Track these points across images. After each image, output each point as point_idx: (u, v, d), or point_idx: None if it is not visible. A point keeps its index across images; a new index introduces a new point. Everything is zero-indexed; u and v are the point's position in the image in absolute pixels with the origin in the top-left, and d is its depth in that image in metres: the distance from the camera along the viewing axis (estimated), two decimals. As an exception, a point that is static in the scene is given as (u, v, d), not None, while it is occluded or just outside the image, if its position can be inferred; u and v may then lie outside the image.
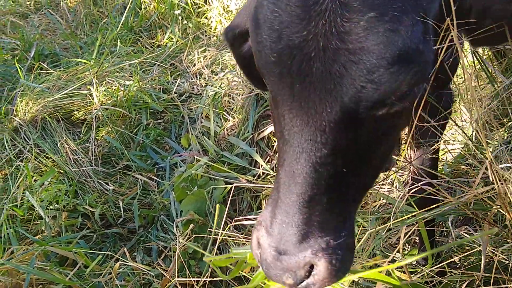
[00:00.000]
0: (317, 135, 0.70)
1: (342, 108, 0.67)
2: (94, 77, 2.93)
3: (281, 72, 0.70)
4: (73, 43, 4.20)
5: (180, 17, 3.55)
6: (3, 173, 2.72)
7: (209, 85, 2.93)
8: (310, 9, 0.68)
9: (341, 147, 0.71)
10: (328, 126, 0.69)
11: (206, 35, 3.52)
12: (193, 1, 3.68)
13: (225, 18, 3.58)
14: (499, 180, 1.00)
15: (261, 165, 2.16)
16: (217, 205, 1.99)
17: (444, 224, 1.62)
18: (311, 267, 0.75)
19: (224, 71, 3.02)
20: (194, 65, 3.18)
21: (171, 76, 3.17)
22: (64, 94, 2.96)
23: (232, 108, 2.51)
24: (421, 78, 0.70)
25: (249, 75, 1.12)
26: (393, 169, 1.60)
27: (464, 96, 1.62)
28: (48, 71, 3.36)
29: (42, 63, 3.55)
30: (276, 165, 0.91)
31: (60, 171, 2.53)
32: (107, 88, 2.99)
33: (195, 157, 2.38)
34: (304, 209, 0.74)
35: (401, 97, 0.71)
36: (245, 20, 0.95)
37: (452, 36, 0.76)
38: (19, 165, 2.65)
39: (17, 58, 3.96)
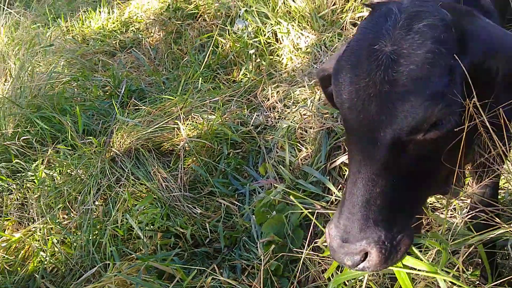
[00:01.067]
0: (374, 152, 0.97)
1: (392, 132, 0.94)
2: (181, 113, 3.31)
3: (350, 106, 0.99)
4: (156, 79, 4.66)
5: (253, 56, 3.89)
6: (103, 198, 3.13)
7: (282, 118, 3.23)
8: (371, 63, 0.97)
9: (391, 163, 0.97)
10: (382, 145, 0.95)
11: (278, 72, 3.84)
12: (266, 40, 4.02)
13: (295, 55, 3.89)
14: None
15: (334, 192, 2.41)
16: (298, 229, 2.27)
17: (505, 248, 1.79)
18: (366, 254, 1.00)
19: (296, 105, 3.31)
20: (268, 99, 3.49)
21: (247, 109, 3.50)
22: (155, 128, 3.35)
23: (305, 140, 2.79)
24: (446, 112, 0.97)
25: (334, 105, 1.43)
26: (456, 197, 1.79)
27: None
28: (138, 107, 3.80)
29: (131, 99, 4.01)
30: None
31: (154, 196, 2.89)
32: (193, 122, 3.35)
33: (273, 184, 2.66)
34: (363, 209, 1.00)
35: (432, 125, 0.98)
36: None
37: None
38: (118, 190, 3.05)
39: (108, 94, 4.47)
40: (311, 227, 2.39)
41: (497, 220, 1.22)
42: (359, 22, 3.66)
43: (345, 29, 3.77)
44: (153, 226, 2.78)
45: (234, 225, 2.71)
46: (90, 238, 2.79)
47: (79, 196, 3.02)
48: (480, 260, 1.77)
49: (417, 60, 0.95)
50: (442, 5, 1.03)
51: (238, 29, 3.80)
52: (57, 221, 2.93)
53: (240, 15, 3.78)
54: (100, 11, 6.22)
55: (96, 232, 2.87)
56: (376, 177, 0.99)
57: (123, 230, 2.79)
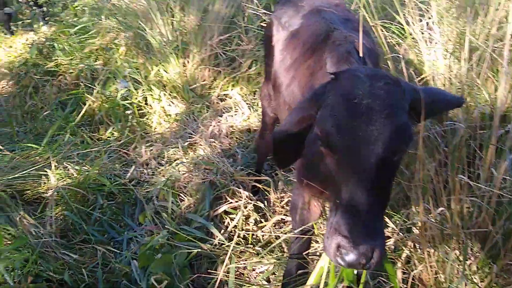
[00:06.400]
0: (367, 169, 1.29)
1: (378, 155, 1.29)
2: (53, 161, 3.26)
3: (345, 137, 1.30)
4: (5, 130, 4.46)
5: (129, 116, 4.06)
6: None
7: (157, 174, 3.42)
8: (359, 110, 1.31)
9: (379, 176, 1.30)
10: (372, 165, 1.29)
11: (148, 133, 4.05)
12: (138, 103, 4.23)
13: (165, 120, 4.17)
14: None
15: (217, 236, 2.66)
16: (184, 269, 2.44)
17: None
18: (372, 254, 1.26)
19: (169, 164, 3.54)
20: (141, 156, 3.66)
21: (119, 164, 3.60)
22: (20, 174, 3.23)
23: (187, 191, 3.01)
24: (411, 137, 1.36)
25: (283, 157, 1.69)
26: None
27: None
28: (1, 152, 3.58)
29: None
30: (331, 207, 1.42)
31: (26, 240, 2.75)
32: (64, 171, 3.32)
33: (154, 231, 2.79)
34: (367, 218, 1.27)
35: (404, 148, 1.36)
36: (291, 127, 1.53)
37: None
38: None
39: None
40: (195, 268, 2.60)
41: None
42: (226, 98, 4.16)
43: (213, 102, 4.22)
44: (21, 271, 2.62)
45: (112, 270, 2.72)
46: None
47: None
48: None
49: (390, 105, 1.32)
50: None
51: (120, 89, 3.95)
52: None
53: (126, 75, 3.96)
54: None
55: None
56: (372, 189, 1.28)
57: (-17, 276, 2.57)
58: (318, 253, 2.35)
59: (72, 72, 4.94)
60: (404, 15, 2.71)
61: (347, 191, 1.30)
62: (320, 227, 2.49)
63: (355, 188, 1.28)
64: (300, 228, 1.97)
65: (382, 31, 2.40)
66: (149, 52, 4.51)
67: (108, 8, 5.17)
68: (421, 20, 2.80)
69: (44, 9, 6.23)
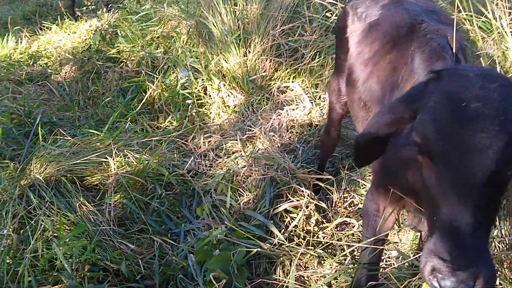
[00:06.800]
0: (473, 184, 1.14)
1: (488, 168, 1.13)
2: (114, 148, 3.26)
3: (449, 146, 1.14)
4: (68, 115, 4.53)
5: (188, 106, 4.01)
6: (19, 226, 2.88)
7: (215, 166, 3.35)
8: (467, 115, 1.14)
9: (487, 192, 1.14)
10: (480, 179, 1.13)
11: (205, 124, 3.99)
12: (197, 93, 4.18)
13: (223, 111, 4.09)
14: None
15: (277, 235, 2.55)
16: (242, 268, 2.35)
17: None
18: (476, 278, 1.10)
19: (228, 156, 3.46)
20: (199, 147, 3.60)
21: (177, 155, 3.56)
22: (81, 160, 3.24)
23: (246, 186, 2.92)
24: None
25: (363, 159, 1.55)
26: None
27: None
28: (57, 138, 3.63)
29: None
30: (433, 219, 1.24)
31: (85, 227, 2.75)
32: (124, 159, 3.31)
33: (213, 225, 2.72)
34: (469, 239, 1.11)
35: None
36: (378, 130, 1.36)
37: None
38: (37, 219, 2.84)
39: (15, 122, 4.22)
40: (253, 267, 2.50)
41: None
42: (287, 91, 4.03)
43: (273, 94, 4.10)
44: (79, 258, 2.62)
45: (168, 263, 2.68)
46: (4, 266, 2.54)
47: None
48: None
49: (503, 111, 1.13)
50: None
51: (180, 78, 3.91)
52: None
53: (187, 65, 3.91)
54: (7, 39, 5.92)
55: (10, 261, 2.62)
56: (476, 207, 1.12)
57: (44, 260, 2.59)
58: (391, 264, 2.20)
59: (133, 60, 4.96)
60: (491, 8, 2.48)
61: (447, 208, 1.14)
62: (394, 237, 2.33)
63: (457, 205, 1.13)
64: (373, 238, 1.82)
65: (470, 25, 2.19)
66: (210, 41, 4.43)
67: (171, -5, 5.15)
68: (510, 14, 2.56)
69: (108, -5, 6.31)
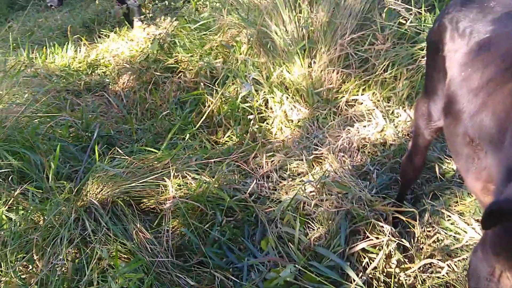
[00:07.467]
0: None
1: None
2: (172, 169, 3.05)
3: None
4: (126, 128, 4.39)
5: (250, 121, 3.76)
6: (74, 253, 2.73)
7: (279, 189, 3.07)
8: None
9: None
10: None
11: (268, 140, 3.72)
12: (258, 107, 3.92)
13: (286, 126, 3.81)
14: None
15: (354, 280, 2.24)
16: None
17: None
18: None
19: (292, 178, 3.17)
20: (261, 167, 3.33)
21: (238, 175, 3.31)
22: (139, 181, 3.05)
23: (317, 218, 2.63)
24: None
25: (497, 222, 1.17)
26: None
27: None
28: (113, 155, 3.46)
29: (98, 145, 3.69)
30: None
31: (142, 261, 2.56)
32: (182, 181, 3.09)
33: (280, 262, 2.45)
34: None
35: None
36: None
37: None
38: (93, 247, 2.68)
39: (73, 136, 4.12)
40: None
41: None
42: (355, 104, 3.70)
43: (340, 109, 3.78)
44: (136, 293, 2.43)
45: (230, 303, 2.43)
46: (58, 300, 2.39)
47: (48, 248, 2.61)
48: None
49: None
50: None
51: (242, 91, 3.67)
52: (18, 275, 2.49)
53: (250, 79, 3.67)
54: (66, 48, 5.91)
55: (64, 293, 2.46)
56: None
57: (98, 294, 2.42)
58: None
59: (191, 70, 4.77)
60: None
61: None
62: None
63: None
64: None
65: None
66: (272, 51, 4.16)
67: (230, 3, 4.91)
68: None
69: (166, 2, 6.18)
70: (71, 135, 4.15)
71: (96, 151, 3.29)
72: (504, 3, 1.76)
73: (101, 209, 2.90)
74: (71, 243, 2.73)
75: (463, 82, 1.69)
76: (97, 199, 2.98)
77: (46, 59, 5.76)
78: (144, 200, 3.09)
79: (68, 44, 6.02)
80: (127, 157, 3.33)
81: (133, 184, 3.05)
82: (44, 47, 5.94)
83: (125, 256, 2.73)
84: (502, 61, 1.54)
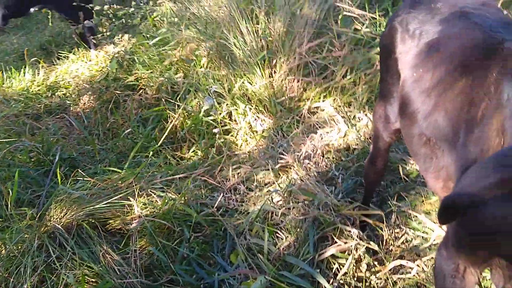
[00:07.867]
0: None
1: None
2: (136, 188, 3.00)
3: None
4: (89, 148, 4.30)
5: (206, 133, 3.74)
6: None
7: (247, 201, 3.06)
8: None
9: None
10: None
11: (233, 152, 3.71)
12: (221, 120, 3.91)
13: (250, 137, 3.81)
14: None
15: (325, 287, 2.24)
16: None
17: None
18: None
19: (259, 189, 3.16)
20: (228, 180, 3.31)
21: (204, 190, 3.28)
22: (103, 203, 2.99)
23: (285, 227, 2.62)
24: None
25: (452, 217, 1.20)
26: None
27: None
28: (75, 178, 3.38)
29: (60, 168, 3.61)
30: None
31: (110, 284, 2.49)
32: (147, 199, 3.04)
33: (250, 275, 2.42)
34: None
35: None
36: (483, 191, 1.06)
37: None
38: (59, 273, 2.60)
39: (34, 160, 4.01)
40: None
41: None
42: (318, 112, 3.73)
43: (303, 116, 3.80)
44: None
45: (203, 320, 2.39)
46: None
47: (11, 278, 2.52)
48: None
49: None
50: None
51: (205, 105, 3.65)
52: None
53: (211, 92, 3.65)
54: (24, 72, 5.77)
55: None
56: None
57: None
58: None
59: (152, 86, 4.72)
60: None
61: None
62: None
63: None
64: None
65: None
66: (232, 63, 4.17)
67: (188, 17, 4.90)
68: None
69: (123, 20, 6.12)
70: (32, 159, 4.03)
71: (58, 174, 3.20)
72: (450, 4, 1.81)
73: (65, 234, 2.83)
74: (35, 271, 2.65)
75: (415, 83, 1.73)
76: (61, 223, 2.90)
77: (3, 84, 5.61)
78: (110, 221, 3.02)
79: (25, 67, 5.89)
80: (90, 179, 3.26)
81: (97, 206, 2.99)
82: (0, 71, 5.79)
83: (93, 280, 2.66)
84: (451, 61, 1.57)
